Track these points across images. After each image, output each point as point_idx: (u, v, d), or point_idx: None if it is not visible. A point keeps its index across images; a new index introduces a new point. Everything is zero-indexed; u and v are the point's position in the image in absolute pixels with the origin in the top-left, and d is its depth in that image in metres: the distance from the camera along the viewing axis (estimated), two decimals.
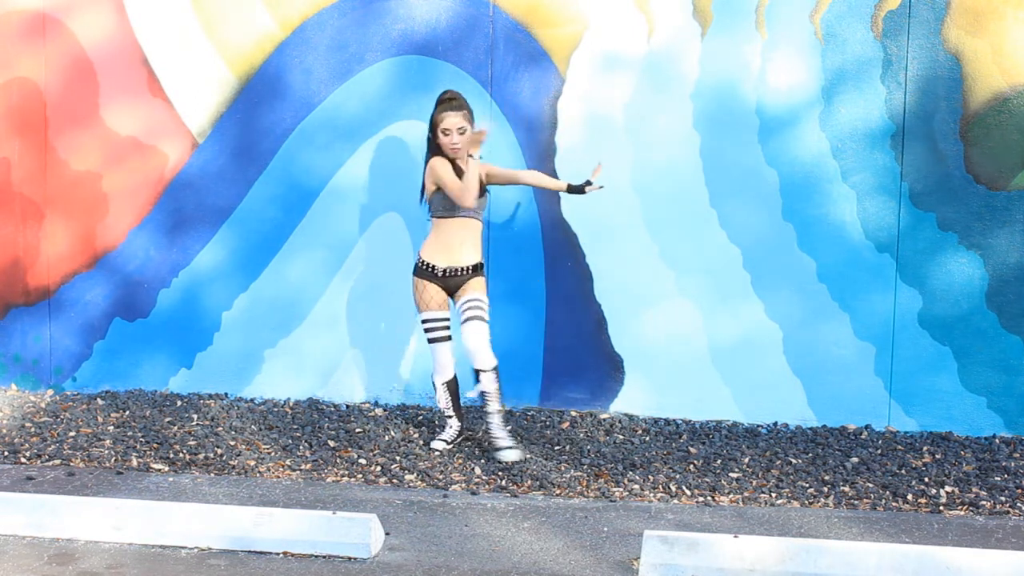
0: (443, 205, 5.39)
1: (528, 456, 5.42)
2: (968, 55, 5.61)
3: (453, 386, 5.55)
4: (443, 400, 5.55)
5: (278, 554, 4.25)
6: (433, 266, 5.42)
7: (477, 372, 5.42)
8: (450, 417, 5.57)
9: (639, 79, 5.91)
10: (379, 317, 6.25)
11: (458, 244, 5.42)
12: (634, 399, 6.03)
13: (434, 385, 5.59)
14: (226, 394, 6.38)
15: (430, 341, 5.49)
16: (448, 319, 5.49)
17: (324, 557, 4.22)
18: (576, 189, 5.46)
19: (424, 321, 5.48)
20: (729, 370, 5.93)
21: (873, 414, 5.81)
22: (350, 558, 4.21)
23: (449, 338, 5.48)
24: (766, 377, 5.89)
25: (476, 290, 5.44)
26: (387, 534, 4.44)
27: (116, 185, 6.43)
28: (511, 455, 5.33)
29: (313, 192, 6.25)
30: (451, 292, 5.49)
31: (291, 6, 6.19)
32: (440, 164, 5.33)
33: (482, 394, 5.42)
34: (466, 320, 5.41)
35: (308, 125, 6.23)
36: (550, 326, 6.06)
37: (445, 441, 5.54)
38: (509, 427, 5.52)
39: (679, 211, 5.92)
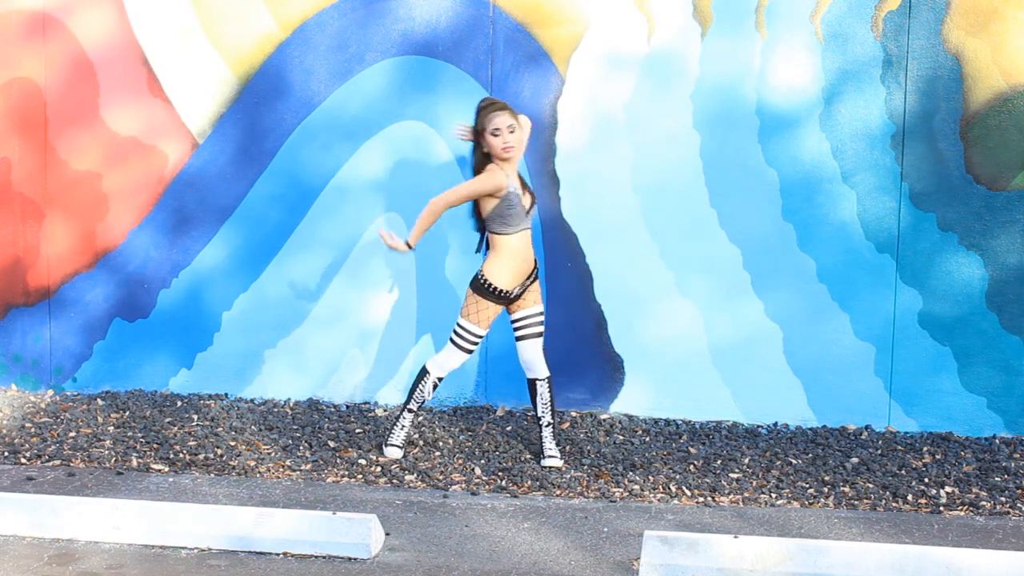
0: (504, 220, 5.15)
1: (529, 456, 5.43)
2: (968, 55, 5.61)
3: (436, 385, 5.42)
4: (427, 392, 5.37)
5: (278, 554, 4.25)
6: (507, 292, 5.22)
7: (532, 382, 5.35)
8: (411, 412, 5.43)
9: (639, 79, 5.91)
10: (379, 317, 6.25)
11: (523, 260, 5.23)
12: (634, 399, 6.03)
13: (425, 372, 5.36)
14: (226, 394, 6.39)
15: (456, 345, 5.30)
16: (483, 338, 5.36)
17: (324, 557, 4.22)
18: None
19: (465, 329, 5.26)
20: (729, 370, 5.93)
21: (873, 414, 5.81)
22: (350, 558, 4.22)
23: (471, 353, 5.34)
24: (766, 377, 5.89)
25: (535, 302, 5.32)
26: (387, 534, 4.44)
27: (116, 185, 6.43)
28: (554, 463, 5.32)
29: (313, 192, 6.25)
30: (512, 302, 5.34)
31: (291, 6, 6.19)
32: (485, 174, 5.15)
33: (542, 403, 5.35)
34: (527, 336, 5.32)
35: (309, 125, 6.23)
36: (550, 326, 6.05)
37: (398, 447, 5.44)
38: (558, 445, 5.46)
39: (679, 211, 5.92)
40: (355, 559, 4.21)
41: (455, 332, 5.31)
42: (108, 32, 6.37)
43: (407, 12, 6.09)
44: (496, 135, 5.12)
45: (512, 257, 5.21)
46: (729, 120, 5.84)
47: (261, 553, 4.26)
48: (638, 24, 5.89)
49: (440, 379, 5.40)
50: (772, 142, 5.81)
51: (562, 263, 6.04)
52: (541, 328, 5.35)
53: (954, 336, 5.72)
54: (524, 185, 5.28)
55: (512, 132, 5.14)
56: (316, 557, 4.23)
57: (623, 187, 5.96)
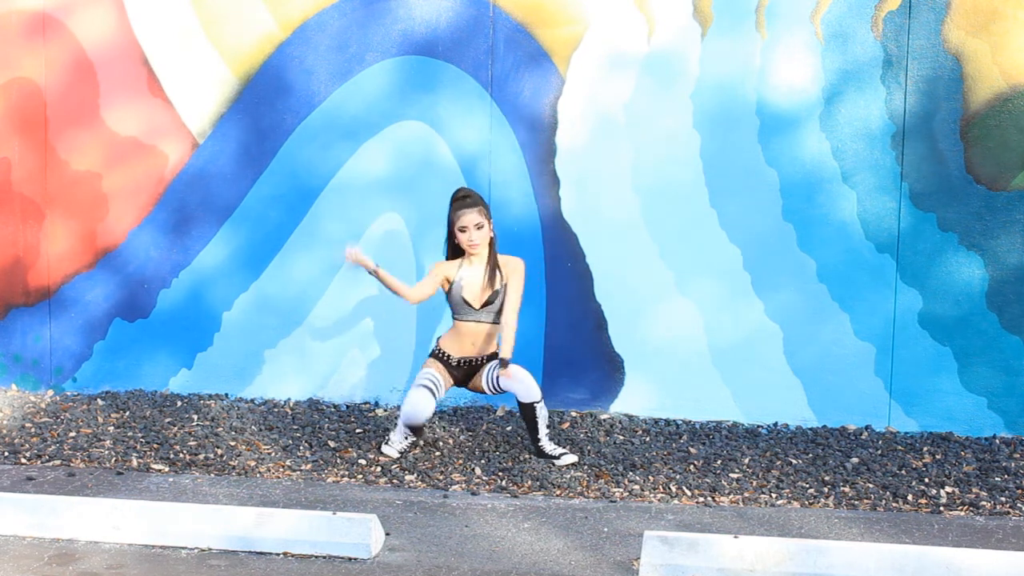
0: (454, 307, 5.41)
1: (529, 456, 5.43)
2: (968, 55, 5.61)
3: (417, 433, 5.43)
4: (399, 437, 5.44)
5: (278, 554, 4.25)
6: (448, 355, 5.41)
7: (532, 406, 5.31)
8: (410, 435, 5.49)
9: (639, 79, 5.91)
10: (379, 317, 6.25)
11: (470, 344, 5.39)
12: (634, 399, 6.03)
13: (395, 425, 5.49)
14: (226, 394, 6.39)
15: (418, 385, 5.34)
16: (440, 382, 5.35)
17: (324, 557, 4.22)
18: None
19: (422, 375, 5.38)
20: (729, 370, 5.93)
21: (873, 414, 5.81)
22: (350, 558, 4.22)
23: (430, 391, 5.30)
24: (766, 377, 5.89)
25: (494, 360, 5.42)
26: (387, 534, 4.44)
27: (116, 185, 6.43)
28: (570, 459, 5.31)
29: (313, 192, 6.25)
30: (465, 380, 5.44)
31: (291, 6, 6.19)
32: (437, 266, 5.43)
33: (543, 424, 5.36)
34: (504, 365, 5.31)
35: (309, 125, 6.23)
36: (550, 326, 6.06)
37: (397, 450, 5.45)
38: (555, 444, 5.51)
39: (679, 211, 5.92)
40: (355, 559, 4.21)
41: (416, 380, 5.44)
42: (108, 32, 6.37)
43: (407, 12, 6.09)
44: (463, 232, 5.31)
45: (459, 336, 5.42)
46: (729, 120, 5.84)
47: (261, 553, 4.26)
48: (638, 24, 5.89)
49: (407, 425, 5.39)
50: (772, 142, 5.81)
51: (562, 263, 6.04)
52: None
53: (954, 336, 5.72)
54: (492, 277, 5.34)
55: (479, 229, 5.30)
56: (316, 557, 4.23)
57: (623, 187, 5.96)
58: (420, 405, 5.29)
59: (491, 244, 5.39)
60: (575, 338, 6.06)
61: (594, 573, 4.11)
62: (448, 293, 5.41)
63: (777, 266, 5.85)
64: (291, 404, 6.25)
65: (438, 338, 5.52)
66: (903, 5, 5.64)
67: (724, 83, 5.83)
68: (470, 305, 5.36)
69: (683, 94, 5.87)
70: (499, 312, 5.38)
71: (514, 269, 5.40)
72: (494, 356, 5.44)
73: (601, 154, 5.96)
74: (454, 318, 5.44)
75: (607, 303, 6.03)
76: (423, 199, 6.14)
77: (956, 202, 5.68)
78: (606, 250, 6.00)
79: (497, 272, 5.38)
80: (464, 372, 5.45)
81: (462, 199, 5.36)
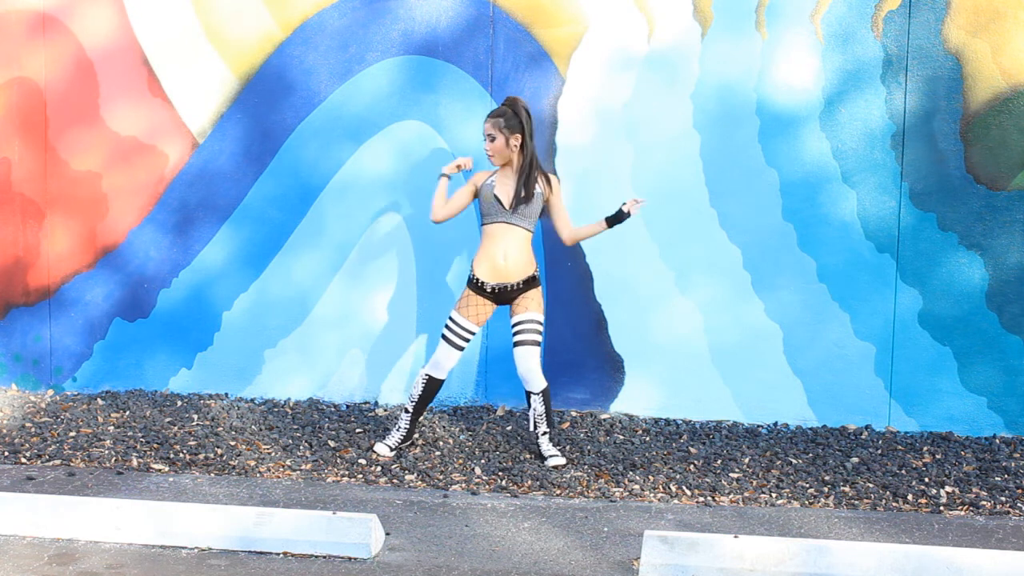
0: (485, 211, 5.36)
1: (529, 456, 5.43)
2: (968, 55, 5.61)
3: (434, 386, 5.42)
4: (416, 390, 5.41)
5: (278, 554, 4.25)
6: (483, 282, 5.33)
7: (528, 393, 5.36)
8: (407, 412, 5.46)
9: (639, 79, 5.91)
10: (379, 317, 6.25)
11: (501, 255, 5.30)
12: (634, 399, 6.03)
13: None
14: (226, 394, 6.39)
15: (444, 338, 5.36)
16: (474, 334, 5.37)
17: (324, 557, 4.22)
18: (615, 219, 5.30)
19: (452, 320, 5.34)
20: (729, 370, 5.93)
21: (873, 414, 5.81)
22: (350, 558, 4.22)
23: (461, 349, 5.36)
24: (766, 377, 5.89)
25: (531, 309, 5.31)
26: (387, 534, 4.44)
27: (116, 185, 6.43)
28: (557, 461, 5.30)
29: (313, 192, 6.25)
30: (504, 302, 5.38)
31: (291, 6, 6.19)
32: (475, 175, 5.48)
33: (534, 415, 5.35)
34: (519, 343, 5.30)
35: (308, 125, 6.23)
36: (550, 326, 6.06)
37: (389, 447, 5.46)
38: (557, 445, 5.52)
39: (679, 211, 5.92)
40: (355, 559, 4.21)
41: (445, 325, 5.38)
42: (108, 32, 6.37)
43: (407, 12, 6.09)
44: (485, 139, 5.37)
45: (485, 246, 5.34)
46: (729, 120, 5.84)
47: (261, 553, 4.26)
48: (638, 24, 5.89)
49: (427, 374, 5.40)
50: (772, 142, 5.81)
51: (562, 263, 6.04)
52: (535, 336, 5.31)
53: (954, 336, 5.73)
54: (527, 182, 5.27)
55: (492, 140, 5.31)
56: (316, 557, 4.23)
57: (623, 187, 5.96)
58: (438, 356, 5.36)
59: (524, 155, 5.28)
60: (575, 338, 6.06)
61: (594, 573, 4.11)
62: (479, 199, 5.36)
63: (777, 266, 5.85)
64: (291, 404, 6.25)
65: (472, 260, 5.41)
66: (903, 5, 5.65)
67: (724, 83, 5.83)
68: (501, 203, 5.30)
69: (683, 94, 5.87)
70: (532, 220, 5.30)
71: (555, 185, 5.36)
72: (530, 282, 5.31)
73: (601, 154, 5.96)
74: (484, 225, 5.34)
75: (607, 303, 6.03)
76: (424, 199, 6.14)
77: (956, 202, 5.68)
78: (606, 250, 6.00)
79: (536, 181, 5.28)
80: (499, 298, 5.36)
81: (491, 111, 5.37)
